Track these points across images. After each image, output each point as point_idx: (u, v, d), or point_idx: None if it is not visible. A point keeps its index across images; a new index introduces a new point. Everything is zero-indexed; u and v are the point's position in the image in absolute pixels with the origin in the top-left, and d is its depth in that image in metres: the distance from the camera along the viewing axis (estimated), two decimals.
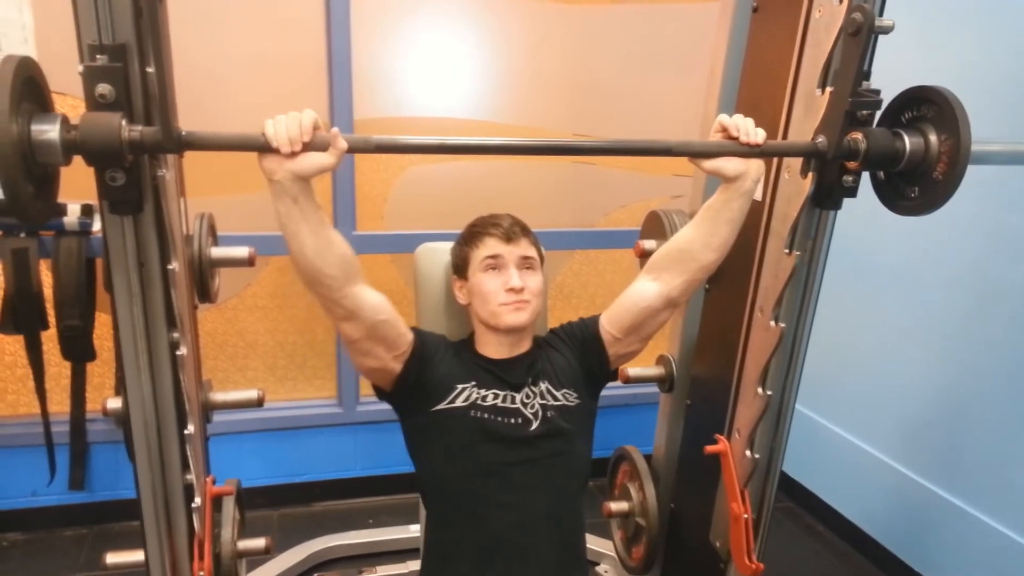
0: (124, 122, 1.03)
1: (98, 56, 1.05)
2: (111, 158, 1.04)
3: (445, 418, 1.44)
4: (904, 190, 1.33)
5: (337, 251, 1.23)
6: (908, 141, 1.27)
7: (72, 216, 2.03)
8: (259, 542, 1.71)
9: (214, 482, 1.61)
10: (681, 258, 1.45)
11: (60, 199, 2.00)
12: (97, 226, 2.07)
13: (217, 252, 1.56)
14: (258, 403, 1.65)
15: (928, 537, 2.40)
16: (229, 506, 1.68)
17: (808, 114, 1.40)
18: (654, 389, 2.09)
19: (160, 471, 1.35)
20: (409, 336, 1.44)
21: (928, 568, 2.38)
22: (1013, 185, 2.09)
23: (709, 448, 1.71)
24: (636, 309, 1.51)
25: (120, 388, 1.32)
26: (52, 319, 2.08)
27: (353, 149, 1.15)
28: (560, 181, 2.79)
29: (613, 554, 2.35)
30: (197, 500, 1.41)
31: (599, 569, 2.48)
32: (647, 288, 1.50)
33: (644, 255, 1.87)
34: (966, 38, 2.24)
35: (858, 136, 1.27)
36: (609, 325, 1.57)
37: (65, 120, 1.03)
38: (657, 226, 1.86)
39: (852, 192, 1.33)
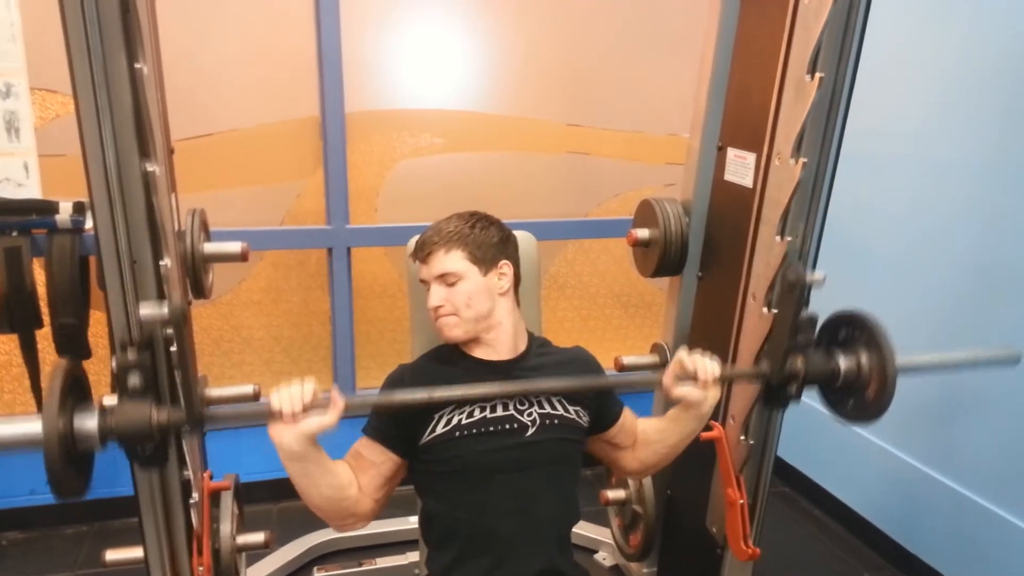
0: (154, 409, 1.15)
1: (128, 349, 1.19)
2: (141, 438, 1.15)
3: (432, 448, 1.40)
4: (844, 400, 1.44)
5: (344, 493, 1.36)
6: (843, 363, 1.39)
7: (64, 214, 2.02)
8: (258, 536, 1.72)
9: (212, 477, 1.62)
10: (645, 441, 1.58)
11: (51, 197, 2.02)
12: (90, 223, 2.06)
13: (210, 247, 1.56)
14: (254, 398, 1.66)
15: (924, 520, 2.41)
16: (227, 501, 1.68)
17: (798, 99, 1.41)
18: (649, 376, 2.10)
19: (157, 468, 1.36)
20: (388, 455, 1.42)
21: (924, 551, 2.40)
22: (1009, 169, 2.09)
23: (704, 434, 1.72)
24: (618, 454, 1.62)
25: (115, 384, 1.32)
26: (46, 317, 2.08)
27: (351, 409, 1.28)
28: (553, 171, 2.79)
29: (611, 541, 2.36)
30: (195, 496, 1.42)
31: (597, 556, 2.50)
32: (629, 453, 1.61)
33: (637, 243, 1.88)
34: (962, 15, 2.24)
35: (798, 361, 1.40)
36: (618, 430, 1.59)
37: (103, 412, 1.13)
38: (650, 214, 1.86)
39: (798, 398, 1.45)
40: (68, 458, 1.10)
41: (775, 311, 1.50)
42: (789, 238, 1.47)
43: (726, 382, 1.60)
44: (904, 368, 1.34)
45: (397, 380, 1.48)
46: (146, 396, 1.17)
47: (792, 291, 1.36)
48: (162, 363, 1.23)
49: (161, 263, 1.25)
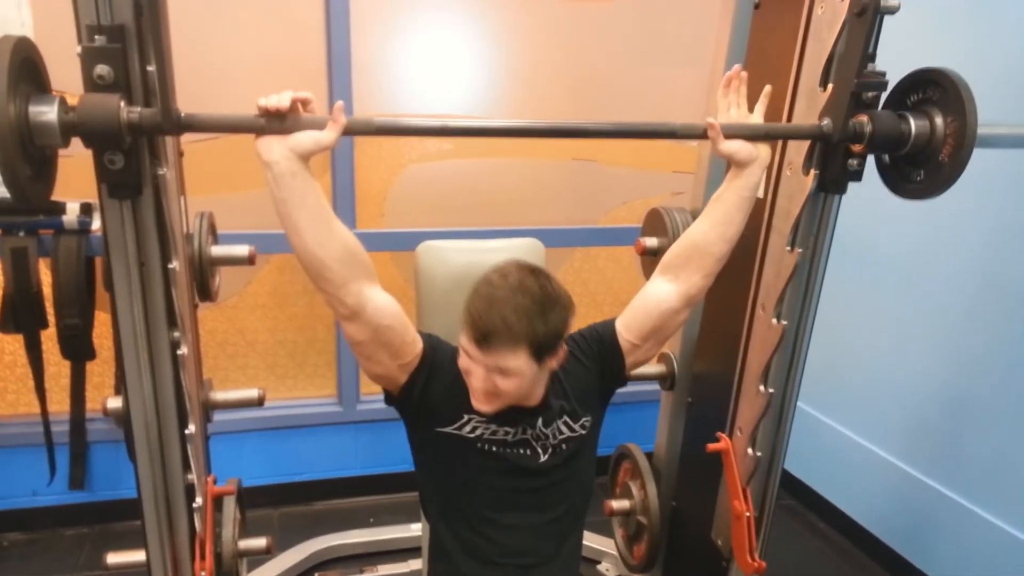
0: (123, 103, 1.03)
1: (96, 37, 1.04)
2: (110, 140, 1.03)
3: (450, 442, 1.38)
4: (909, 173, 1.31)
5: (339, 241, 1.17)
6: (914, 124, 1.26)
7: (71, 215, 2.02)
8: (260, 541, 1.71)
9: (215, 481, 1.61)
10: (696, 254, 1.39)
11: (59, 198, 2.02)
12: (96, 224, 2.06)
13: (217, 250, 1.55)
14: (259, 402, 1.65)
15: (930, 534, 2.39)
16: (230, 505, 1.67)
17: (810, 110, 1.40)
18: (655, 387, 2.09)
19: (161, 471, 1.35)
20: (418, 347, 1.34)
21: (930, 565, 2.38)
22: (1015, 176, 2.08)
23: (711, 446, 1.71)
24: (656, 312, 1.42)
25: (120, 387, 1.31)
26: (52, 318, 2.08)
27: (353, 130, 1.13)
28: (561, 178, 2.78)
29: (615, 552, 2.34)
30: (198, 500, 1.41)
31: (600, 568, 2.48)
32: (665, 289, 1.42)
33: (645, 252, 1.87)
34: (972, 21, 2.24)
35: (863, 119, 1.26)
36: (627, 332, 1.46)
37: (63, 101, 1.02)
38: (659, 223, 1.86)
39: (857, 176, 1.32)
40: (25, 153, 0.98)
41: (784, 322, 1.49)
42: (799, 249, 1.46)
43: (778, 139, 1.47)
44: (984, 138, 1.20)
45: (445, 348, 1.41)
46: (115, 91, 1.03)
47: (862, 17, 1.17)
48: (134, 58, 1.08)
49: (169, 266, 1.24)
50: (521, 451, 1.40)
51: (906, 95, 1.31)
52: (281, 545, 2.41)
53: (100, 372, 2.45)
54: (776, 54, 1.53)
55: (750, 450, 1.64)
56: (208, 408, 1.63)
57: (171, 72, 1.22)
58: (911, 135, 1.26)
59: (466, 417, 1.38)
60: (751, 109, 1.35)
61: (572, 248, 2.89)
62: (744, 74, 1.34)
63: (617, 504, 2.14)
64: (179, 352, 1.29)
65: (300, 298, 2.65)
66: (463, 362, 1.31)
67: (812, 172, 1.39)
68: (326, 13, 2.35)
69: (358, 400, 2.74)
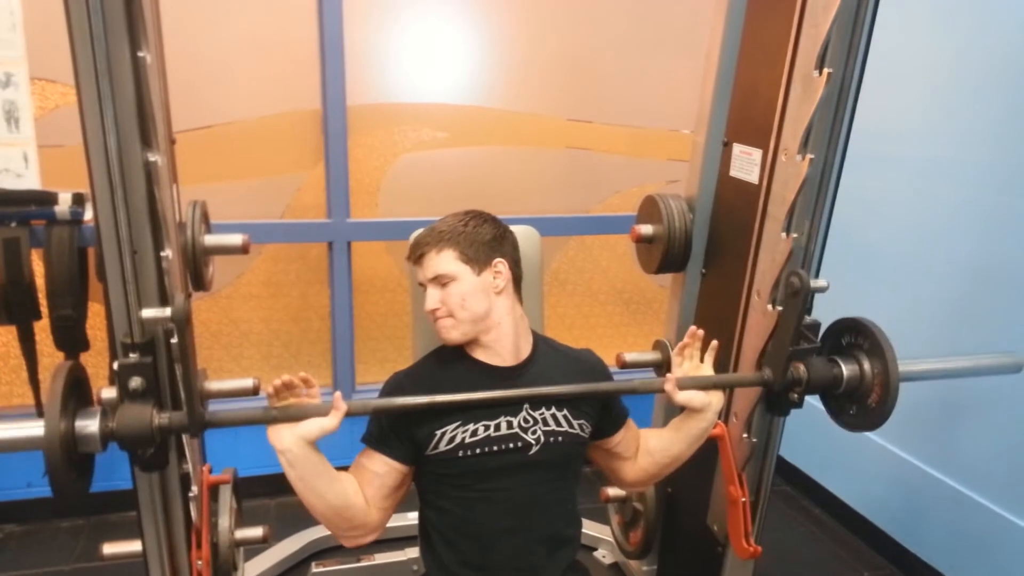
0: (155, 413, 1.15)
1: (131, 354, 1.19)
2: (143, 442, 1.16)
3: (434, 461, 1.37)
4: (846, 407, 1.46)
5: (351, 514, 1.32)
6: (845, 369, 1.41)
7: (64, 205, 2.01)
8: (257, 531, 1.71)
9: (211, 471, 1.61)
10: (646, 457, 1.55)
11: (50, 188, 2.01)
12: (89, 215, 2.05)
13: (211, 240, 1.55)
14: (253, 392, 1.64)
15: (925, 520, 2.41)
16: (226, 495, 1.67)
17: (806, 95, 1.40)
18: (651, 373, 2.09)
19: (158, 470, 1.35)
20: (393, 464, 1.37)
21: (924, 550, 2.40)
22: (1010, 170, 2.08)
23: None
24: (616, 463, 1.58)
25: (114, 378, 1.31)
26: (45, 309, 2.07)
27: (352, 412, 1.25)
28: (556, 167, 2.78)
29: (611, 539, 2.35)
30: (194, 489, 1.41)
31: (597, 554, 2.49)
32: (629, 464, 1.57)
33: (641, 240, 1.87)
34: (965, 16, 2.23)
35: (800, 367, 1.42)
36: (618, 440, 1.56)
37: (104, 414, 1.13)
38: (654, 210, 1.85)
39: (799, 405, 1.49)
40: (70, 460, 1.10)
41: (779, 308, 1.49)
42: (795, 235, 1.46)
43: (727, 389, 1.63)
44: (907, 375, 1.35)
45: (396, 387, 1.42)
46: (147, 399, 1.16)
47: (795, 297, 1.36)
48: (163, 364, 1.22)
49: (162, 254, 1.23)
50: (509, 444, 1.37)
51: (840, 336, 1.46)
52: (278, 535, 2.40)
53: (94, 363, 2.45)
54: (771, 40, 1.53)
55: (745, 436, 1.65)
56: (203, 398, 1.62)
57: (196, 375, 1.32)
58: (843, 380, 1.42)
59: (438, 434, 1.35)
60: (703, 360, 1.47)
61: (567, 237, 2.88)
62: (700, 333, 1.45)
63: (613, 491, 2.15)
64: (171, 341, 1.29)
65: (294, 288, 2.64)
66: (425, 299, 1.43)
67: (808, 157, 1.40)
68: (319, 1, 2.34)
69: (353, 390, 2.74)
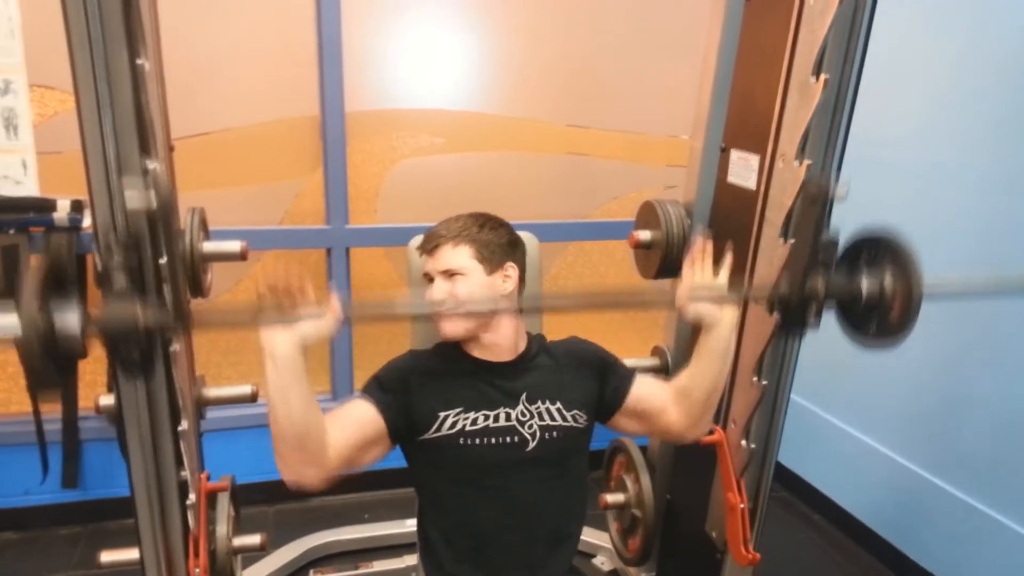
0: (140, 309, 1.07)
1: (115, 249, 1.12)
2: (128, 338, 1.09)
3: (433, 447, 1.39)
4: (863, 325, 1.38)
5: (310, 441, 1.22)
6: (866, 284, 1.34)
7: (62, 212, 2.01)
8: (255, 538, 1.70)
9: (208, 478, 1.61)
10: (683, 398, 1.46)
11: (49, 195, 2.01)
12: (87, 222, 2.05)
13: (209, 246, 1.55)
14: (252, 398, 1.65)
15: (924, 526, 2.40)
16: (224, 502, 1.67)
17: (803, 101, 1.40)
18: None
19: (154, 468, 1.35)
20: (379, 419, 1.35)
21: (923, 556, 2.39)
22: (1008, 175, 2.09)
23: (705, 439, 1.71)
24: (654, 420, 1.50)
25: (112, 385, 1.31)
26: None
27: (349, 317, 1.20)
28: (554, 172, 2.78)
29: (609, 546, 2.35)
30: (192, 497, 1.40)
31: (595, 561, 2.48)
32: (671, 413, 1.48)
33: (639, 245, 1.87)
34: (963, 20, 2.24)
35: (818, 280, 1.34)
36: (635, 400, 1.51)
37: (85, 313, 1.07)
38: (652, 216, 1.85)
39: (817, 323, 1.40)
40: (48, 355, 1.02)
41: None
42: (792, 241, 1.46)
43: (741, 301, 1.56)
44: (931, 291, 1.28)
45: (408, 366, 1.46)
46: (132, 296, 1.08)
47: (813, 205, 1.28)
48: (148, 263, 1.18)
49: (161, 261, 1.23)
50: (507, 439, 1.39)
51: (861, 250, 1.38)
52: (276, 542, 2.40)
53: (92, 370, 2.44)
54: (768, 46, 1.53)
55: (744, 442, 1.65)
56: (201, 405, 1.62)
57: (182, 272, 1.31)
58: (863, 296, 1.34)
59: (441, 416, 1.38)
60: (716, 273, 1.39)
61: (566, 243, 2.88)
62: (709, 245, 1.38)
63: (612, 498, 2.14)
64: (171, 349, 1.29)
65: None
66: (429, 290, 1.43)
67: (805, 163, 1.40)
68: (317, 7, 2.34)
69: (351, 395, 2.73)
